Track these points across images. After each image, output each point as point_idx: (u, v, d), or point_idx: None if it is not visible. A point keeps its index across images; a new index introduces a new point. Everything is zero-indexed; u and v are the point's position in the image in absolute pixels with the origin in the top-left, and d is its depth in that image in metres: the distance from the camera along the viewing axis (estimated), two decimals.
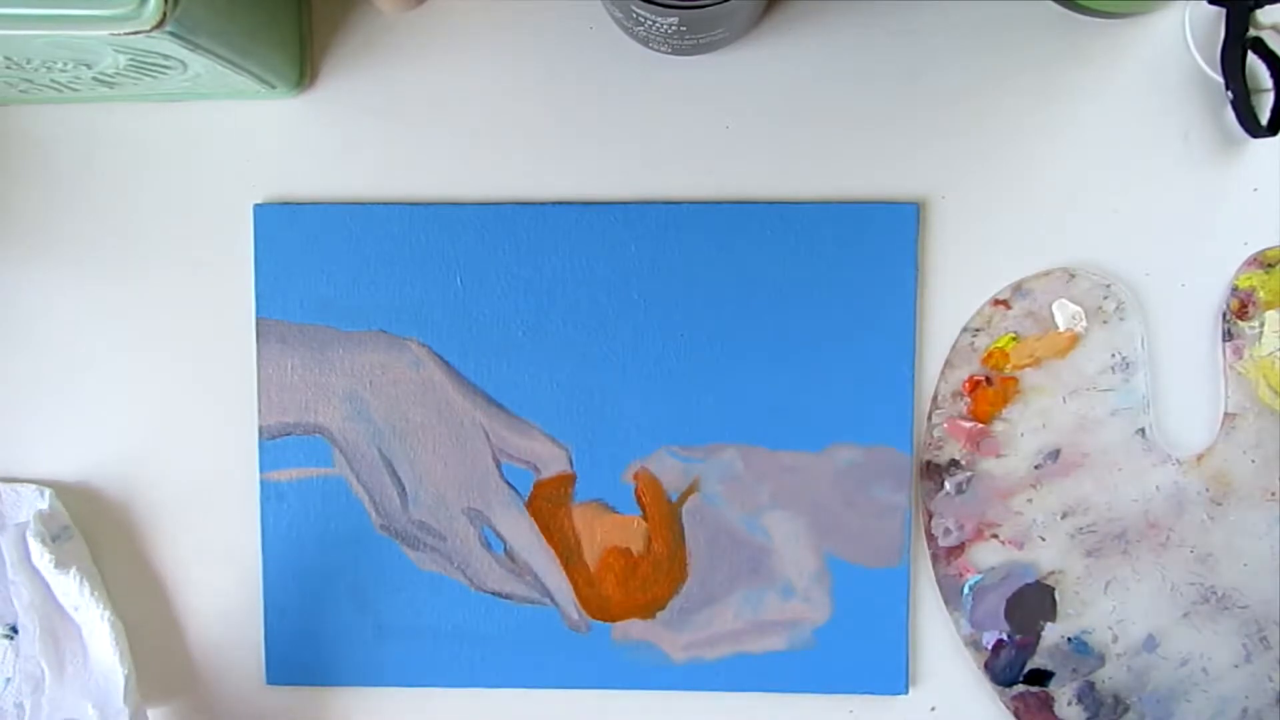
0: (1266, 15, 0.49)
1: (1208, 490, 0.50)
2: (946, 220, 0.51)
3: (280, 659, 0.52)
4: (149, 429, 0.52)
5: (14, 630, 0.52)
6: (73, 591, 0.50)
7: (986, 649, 0.51)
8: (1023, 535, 0.51)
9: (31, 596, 0.50)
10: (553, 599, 0.52)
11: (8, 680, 0.52)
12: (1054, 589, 0.51)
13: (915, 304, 0.50)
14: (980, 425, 0.51)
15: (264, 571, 0.52)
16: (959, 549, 0.51)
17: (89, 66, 0.43)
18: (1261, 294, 0.50)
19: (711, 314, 0.51)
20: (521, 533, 0.51)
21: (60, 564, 0.50)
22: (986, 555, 0.51)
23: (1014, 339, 0.50)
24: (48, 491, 0.52)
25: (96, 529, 0.53)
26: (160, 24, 0.36)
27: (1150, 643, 0.50)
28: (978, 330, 0.51)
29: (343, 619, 0.52)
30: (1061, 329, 0.50)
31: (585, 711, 0.52)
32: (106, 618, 0.50)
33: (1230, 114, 0.50)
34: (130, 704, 0.50)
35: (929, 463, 0.51)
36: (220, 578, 0.53)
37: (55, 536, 0.51)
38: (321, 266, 0.51)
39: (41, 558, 0.50)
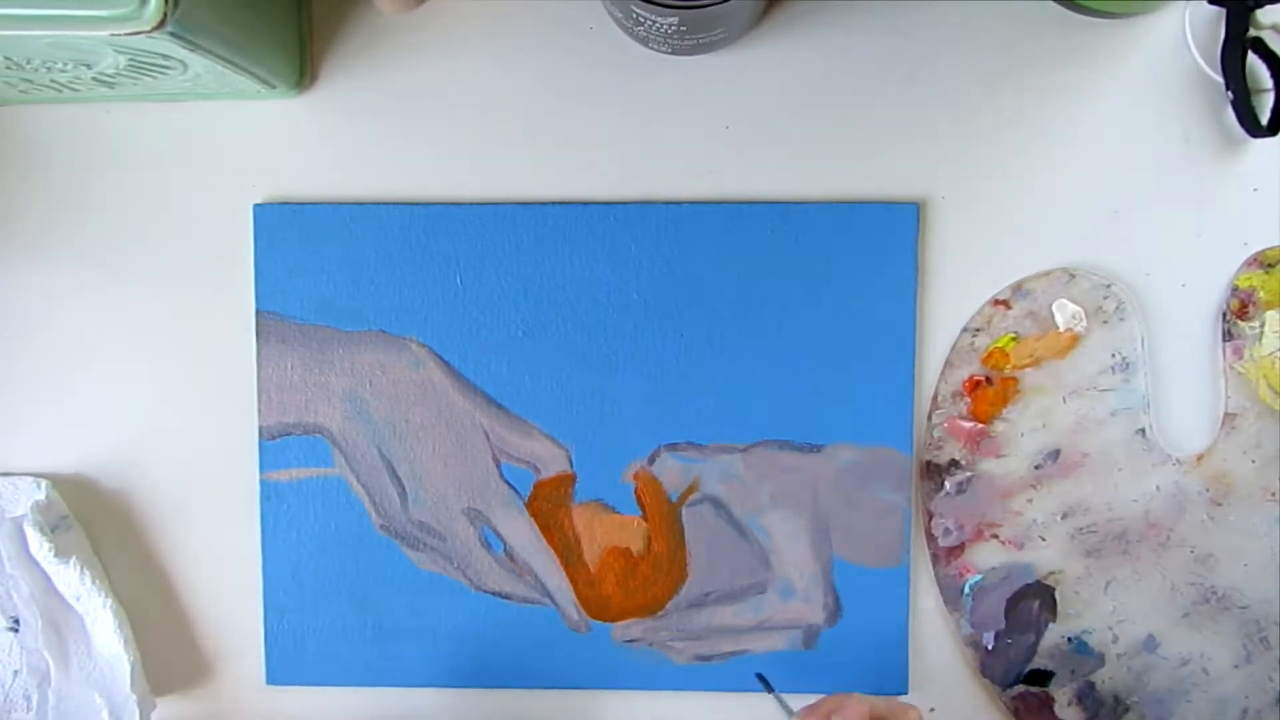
0: (1266, 15, 0.49)
1: (1208, 490, 0.50)
2: (946, 220, 0.51)
3: (280, 659, 0.52)
4: (149, 430, 0.52)
5: (16, 624, 0.52)
6: (73, 581, 0.50)
7: (986, 649, 0.51)
8: (1023, 535, 0.51)
9: (32, 589, 0.50)
10: (553, 599, 0.52)
11: (15, 673, 0.52)
12: (1054, 589, 0.51)
13: (915, 304, 0.50)
14: (980, 425, 0.51)
15: (264, 571, 0.52)
16: (959, 549, 0.51)
17: (89, 66, 0.43)
18: (1261, 294, 0.50)
19: (711, 314, 0.51)
20: (521, 533, 0.51)
21: (60, 553, 0.50)
22: (986, 555, 0.51)
23: (1014, 339, 0.50)
24: (44, 483, 0.51)
25: (97, 533, 0.53)
26: (160, 24, 0.36)
27: (1150, 643, 0.50)
28: (978, 330, 0.51)
29: (343, 619, 0.52)
30: (1061, 329, 0.50)
31: (585, 711, 0.52)
32: (109, 605, 0.50)
33: (1230, 114, 0.50)
34: (138, 691, 0.50)
35: (929, 463, 0.51)
36: (220, 578, 0.53)
37: (54, 527, 0.51)
38: (321, 266, 0.51)
39: (40, 548, 0.50)
